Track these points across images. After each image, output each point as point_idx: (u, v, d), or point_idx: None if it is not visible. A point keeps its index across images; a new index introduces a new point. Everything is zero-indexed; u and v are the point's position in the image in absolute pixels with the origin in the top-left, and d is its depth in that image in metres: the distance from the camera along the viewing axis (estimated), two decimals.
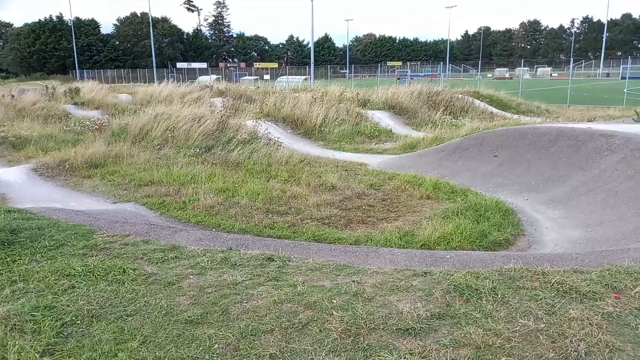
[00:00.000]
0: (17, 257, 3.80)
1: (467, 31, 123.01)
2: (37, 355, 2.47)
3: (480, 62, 67.79)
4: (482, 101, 20.78)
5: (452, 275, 3.41)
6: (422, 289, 3.26)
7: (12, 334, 2.67)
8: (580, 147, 8.23)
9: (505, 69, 73.63)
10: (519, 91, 26.96)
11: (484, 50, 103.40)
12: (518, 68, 56.62)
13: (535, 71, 71.70)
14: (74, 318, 2.90)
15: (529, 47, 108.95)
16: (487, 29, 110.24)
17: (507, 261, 3.77)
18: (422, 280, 3.41)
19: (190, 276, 3.58)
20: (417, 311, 2.89)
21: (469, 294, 3.09)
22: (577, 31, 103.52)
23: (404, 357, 2.43)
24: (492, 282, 3.23)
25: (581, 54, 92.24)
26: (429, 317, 2.84)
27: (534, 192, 7.75)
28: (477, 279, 3.28)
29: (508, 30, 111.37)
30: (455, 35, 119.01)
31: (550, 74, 66.31)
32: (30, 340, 2.61)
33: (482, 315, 2.83)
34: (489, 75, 64.95)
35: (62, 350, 2.55)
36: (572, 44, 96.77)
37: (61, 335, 2.72)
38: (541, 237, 6.00)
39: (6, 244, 3.94)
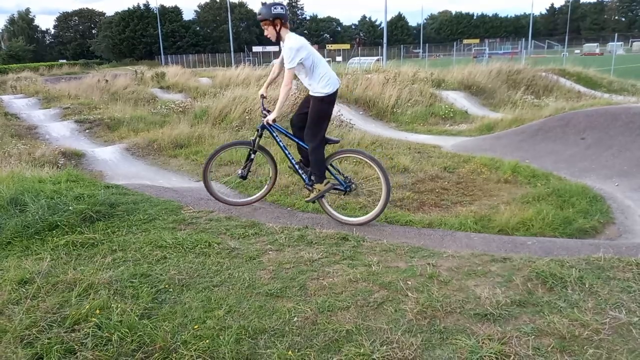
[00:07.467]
0: (116, 229, 4.18)
1: (552, 4, 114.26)
2: (137, 318, 2.72)
3: (567, 37, 62.78)
4: (568, 79, 19.34)
5: (534, 262, 3.29)
6: (501, 274, 3.18)
7: (115, 298, 2.97)
8: None
9: (596, 44, 67.38)
10: (610, 68, 24.75)
11: (571, 24, 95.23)
12: (610, 43, 51.52)
13: (631, 45, 65.16)
14: (166, 286, 3.16)
15: (623, 19, 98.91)
16: (576, 0, 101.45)
17: (595, 250, 3.57)
18: (501, 266, 3.33)
19: (270, 252, 3.75)
20: (496, 297, 2.84)
21: (552, 282, 2.97)
22: None
23: (483, 342, 2.41)
24: (579, 271, 3.07)
25: None
26: (508, 303, 2.77)
27: (626, 177, 7.17)
28: (562, 267, 3.14)
29: (600, 2, 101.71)
30: (540, 9, 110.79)
31: None
32: (130, 304, 2.88)
33: (568, 305, 2.72)
34: (577, 51, 59.80)
35: (157, 315, 2.80)
36: None
37: (156, 300, 2.98)
38: (634, 226, 5.57)
39: (106, 217, 4.34)
